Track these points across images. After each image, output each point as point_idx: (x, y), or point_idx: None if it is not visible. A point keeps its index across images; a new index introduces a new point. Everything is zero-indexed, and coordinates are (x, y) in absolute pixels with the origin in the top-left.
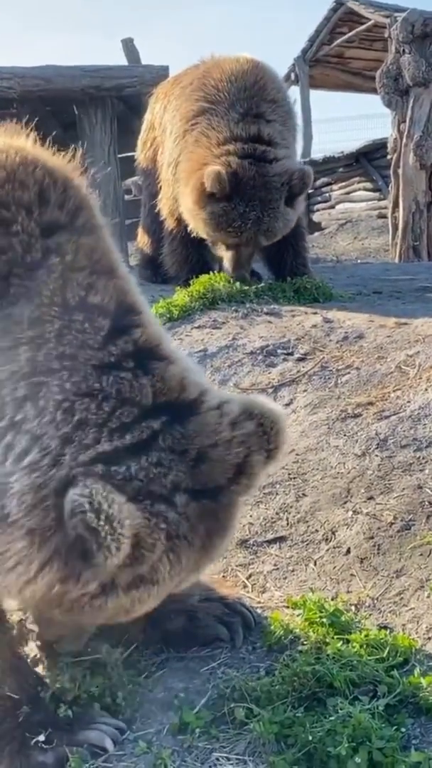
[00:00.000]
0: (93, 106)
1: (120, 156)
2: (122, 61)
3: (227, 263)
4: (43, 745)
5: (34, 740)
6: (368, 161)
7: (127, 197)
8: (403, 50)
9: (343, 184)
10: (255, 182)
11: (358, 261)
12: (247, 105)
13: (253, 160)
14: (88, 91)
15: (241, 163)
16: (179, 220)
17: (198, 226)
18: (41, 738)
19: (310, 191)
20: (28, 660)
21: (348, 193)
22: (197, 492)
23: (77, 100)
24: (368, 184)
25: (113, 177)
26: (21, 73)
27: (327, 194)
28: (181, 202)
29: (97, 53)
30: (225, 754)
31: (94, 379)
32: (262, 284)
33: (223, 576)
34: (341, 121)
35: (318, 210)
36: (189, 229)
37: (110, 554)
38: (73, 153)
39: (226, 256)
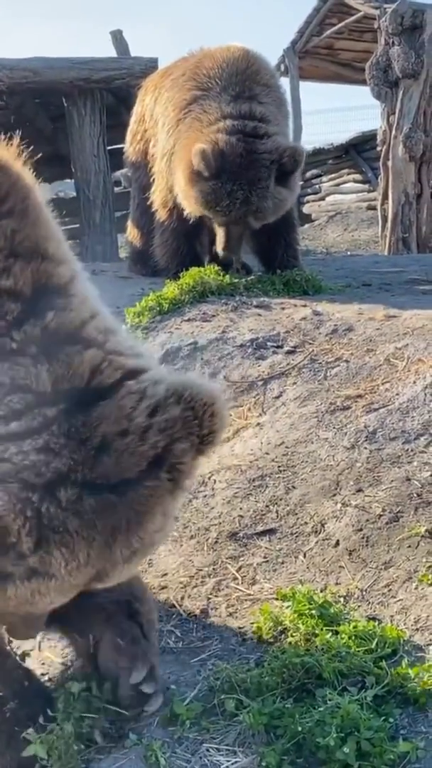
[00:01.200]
0: (82, 98)
1: (109, 148)
2: (111, 52)
3: (218, 242)
4: (32, 738)
5: (23, 734)
6: (358, 153)
7: (116, 189)
8: (393, 42)
9: (333, 175)
10: (242, 160)
11: (348, 253)
12: (239, 88)
13: (243, 135)
14: (77, 83)
15: (229, 140)
16: (171, 212)
17: (190, 205)
18: (30, 732)
19: (300, 183)
20: (16, 654)
21: (338, 184)
22: (94, 486)
23: (66, 92)
24: (358, 176)
25: (102, 169)
26: (9, 65)
27: (317, 186)
28: (176, 184)
29: (86, 44)
30: (215, 745)
31: None
32: (252, 277)
33: (213, 569)
34: (331, 112)
35: (308, 202)
36: (180, 221)
37: None
38: (12, 139)
39: (218, 235)
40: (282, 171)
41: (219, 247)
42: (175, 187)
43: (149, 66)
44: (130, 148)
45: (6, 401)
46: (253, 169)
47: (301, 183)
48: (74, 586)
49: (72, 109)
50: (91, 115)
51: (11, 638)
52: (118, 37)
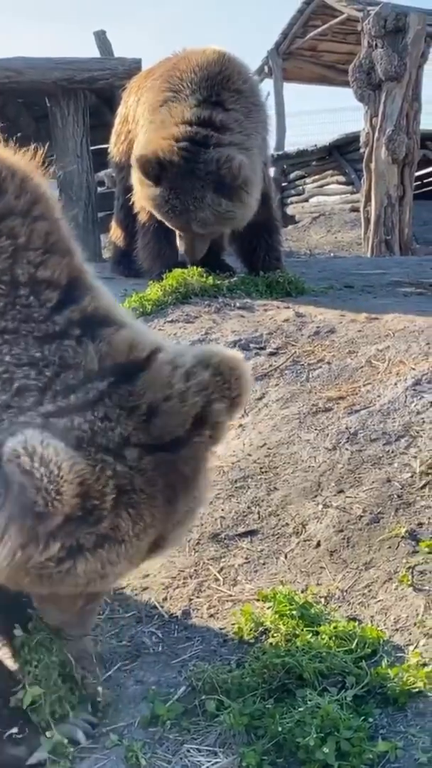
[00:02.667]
0: (65, 99)
1: (92, 148)
2: (95, 53)
3: (178, 243)
4: (16, 738)
5: (7, 734)
6: (341, 154)
7: (99, 189)
8: (376, 44)
9: (317, 177)
10: (180, 169)
11: (332, 254)
12: (207, 93)
13: (190, 143)
14: (60, 83)
15: (171, 148)
16: (152, 214)
17: (145, 207)
18: (14, 731)
19: (284, 184)
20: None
21: (321, 186)
22: (151, 446)
23: (49, 92)
24: (341, 178)
25: (86, 169)
26: None
27: (300, 187)
28: (133, 184)
29: (70, 45)
30: (196, 746)
31: (35, 349)
32: (235, 278)
33: (195, 570)
34: (314, 114)
35: (292, 203)
36: (161, 222)
37: (50, 497)
38: (36, 150)
39: (177, 238)
40: (221, 183)
41: (181, 250)
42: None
43: (133, 67)
44: (114, 148)
45: (62, 378)
46: (189, 179)
47: (285, 184)
48: (140, 552)
49: (55, 109)
50: (74, 115)
51: (66, 636)
52: (101, 38)
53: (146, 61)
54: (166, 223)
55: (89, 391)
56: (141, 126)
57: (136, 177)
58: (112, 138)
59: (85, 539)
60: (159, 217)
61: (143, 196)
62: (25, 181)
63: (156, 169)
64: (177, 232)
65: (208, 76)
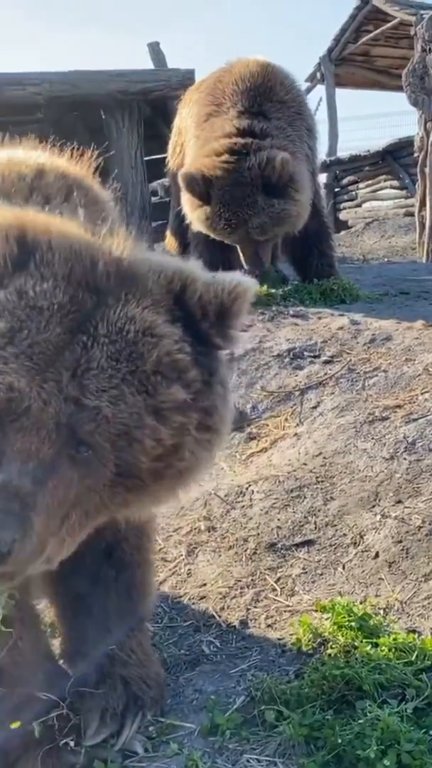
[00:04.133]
0: (120, 111)
1: (147, 159)
2: (148, 64)
3: (242, 261)
4: (73, 746)
5: (64, 741)
6: (394, 159)
7: (153, 199)
8: (429, 48)
9: (370, 182)
10: (225, 181)
11: (386, 260)
12: (248, 104)
13: (231, 155)
14: (115, 95)
15: (213, 162)
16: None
17: (198, 228)
18: (71, 740)
19: (336, 190)
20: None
21: (374, 191)
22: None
23: (104, 104)
24: (395, 182)
25: (140, 180)
26: (49, 78)
27: (353, 192)
28: (183, 205)
29: (123, 56)
30: (255, 756)
31: None
32: (289, 286)
33: (252, 579)
34: (367, 119)
35: (344, 208)
36: None
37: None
38: (92, 159)
39: (239, 251)
40: (268, 183)
41: (245, 265)
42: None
43: (186, 78)
44: (170, 160)
45: None
46: (237, 188)
47: (338, 190)
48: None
49: (110, 121)
50: (129, 126)
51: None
52: (155, 49)
53: (199, 71)
54: (226, 241)
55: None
56: (189, 140)
57: (186, 199)
58: (169, 149)
59: (186, 422)
60: (216, 237)
61: (196, 220)
62: (75, 189)
63: (202, 187)
64: (238, 248)
65: (251, 88)
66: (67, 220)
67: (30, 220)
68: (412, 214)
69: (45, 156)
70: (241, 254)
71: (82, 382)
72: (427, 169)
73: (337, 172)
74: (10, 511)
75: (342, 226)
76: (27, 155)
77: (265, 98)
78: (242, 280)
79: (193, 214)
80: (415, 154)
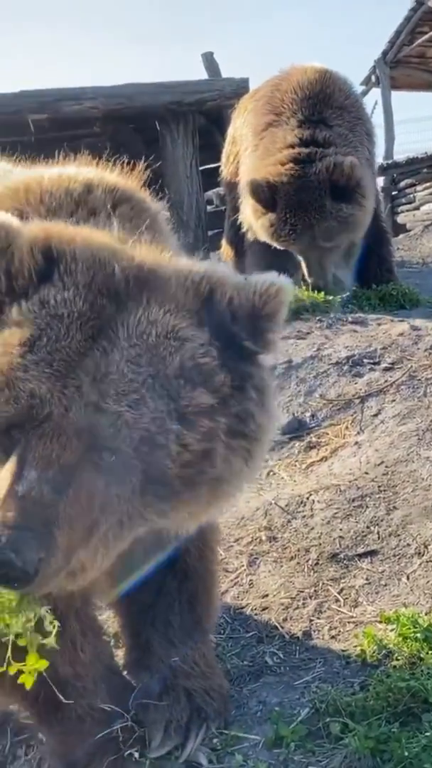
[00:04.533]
0: (174, 122)
1: (201, 168)
2: (202, 74)
3: (304, 271)
4: (137, 757)
5: (129, 752)
6: None
7: (209, 208)
8: None
9: (428, 184)
10: (292, 187)
11: None
12: (309, 112)
13: (294, 164)
14: (169, 107)
15: (279, 171)
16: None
17: (260, 236)
18: (136, 751)
19: (393, 193)
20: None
21: None
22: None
23: (159, 116)
24: None
25: (195, 190)
26: (104, 92)
27: (411, 195)
28: (244, 214)
29: (177, 66)
30: None
31: None
32: (347, 293)
33: (314, 590)
34: (424, 121)
35: (402, 212)
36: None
37: None
38: (143, 171)
39: (302, 262)
40: (336, 187)
41: (306, 276)
42: (245, 215)
43: (240, 87)
44: (224, 169)
45: None
46: (304, 193)
47: (395, 193)
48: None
49: (165, 132)
50: (183, 137)
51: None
52: (209, 59)
53: (253, 80)
54: (290, 249)
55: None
56: (245, 150)
57: (249, 205)
58: (223, 158)
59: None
60: (280, 245)
61: (260, 228)
62: (131, 201)
63: (267, 193)
64: (300, 259)
65: (309, 96)
66: (97, 230)
67: (56, 232)
68: None
69: (94, 171)
70: (304, 265)
71: (101, 387)
72: None
73: (395, 175)
74: (32, 529)
75: (400, 229)
76: (77, 171)
77: (325, 105)
78: (276, 281)
79: (257, 222)
80: None
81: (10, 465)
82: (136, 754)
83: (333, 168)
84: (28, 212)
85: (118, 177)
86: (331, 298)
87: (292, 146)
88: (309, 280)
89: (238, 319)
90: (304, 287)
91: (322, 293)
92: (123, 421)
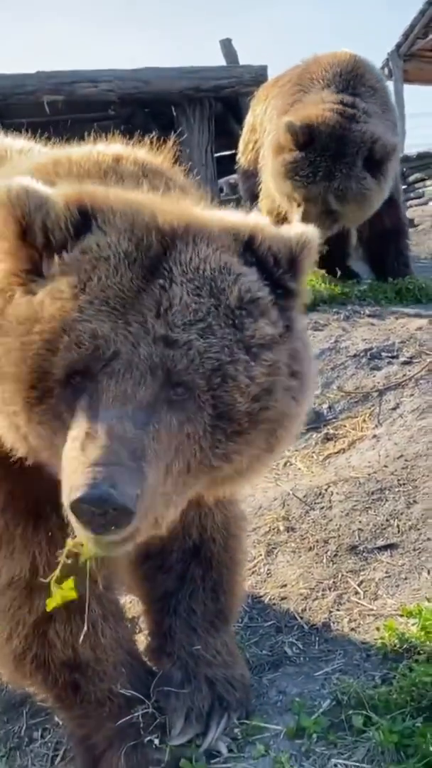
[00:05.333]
0: (191, 107)
1: (216, 155)
2: (220, 60)
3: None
4: (158, 744)
5: (149, 739)
6: None
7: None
8: None
9: None
10: (332, 133)
11: None
12: (343, 85)
13: (340, 116)
14: (186, 92)
15: (323, 114)
16: (277, 221)
17: (272, 181)
18: (156, 737)
19: (403, 187)
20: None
21: None
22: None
23: (175, 101)
24: None
25: (210, 177)
26: (121, 75)
27: (420, 190)
28: (264, 163)
29: (196, 53)
30: (343, 761)
31: None
32: (364, 286)
33: (334, 582)
34: None
35: (411, 206)
36: None
37: None
38: (170, 149)
39: (295, 217)
40: (370, 158)
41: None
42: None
43: (259, 74)
44: (242, 157)
45: None
46: (341, 143)
47: (405, 187)
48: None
49: (181, 118)
50: (200, 123)
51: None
52: (227, 46)
53: (271, 68)
54: (295, 193)
55: None
56: (267, 134)
57: (270, 148)
58: (240, 146)
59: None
60: (289, 183)
61: (278, 164)
62: (160, 174)
63: (306, 135)
64: (299, 209)
65: (342, 72)
66: (129, 190)
67: (89, 191)
68: None
69: (123, 147)
70: (299, 213)
71: (167, 319)
72: None
73: (405, 169)
74: (124, 464)
75: (409, 224)
76: (106, 146)
77: (359, 83)
78: (307, 230)
79: (276, 159)
80: None
81: (82, 410)
82: (156, 741)
83: (376, 138)
84: (57, 183)
85: (147, 153)
86: (347, 290)
87: (332, 102)
88: None
89: (280, 263)
90: (317, 274)
91: (339, 285)
92: (195, 350)
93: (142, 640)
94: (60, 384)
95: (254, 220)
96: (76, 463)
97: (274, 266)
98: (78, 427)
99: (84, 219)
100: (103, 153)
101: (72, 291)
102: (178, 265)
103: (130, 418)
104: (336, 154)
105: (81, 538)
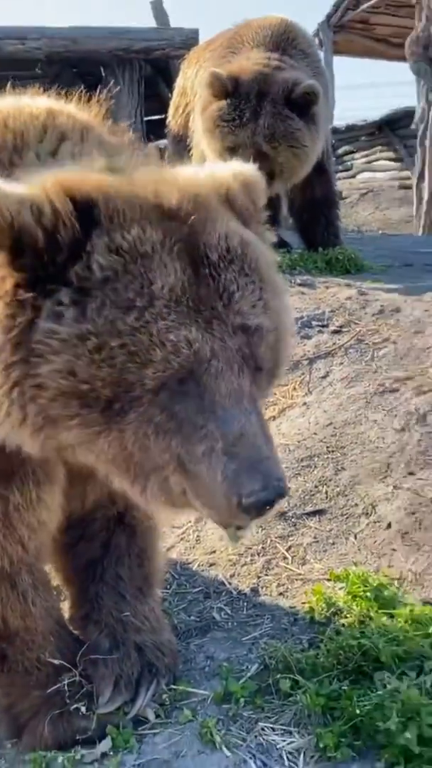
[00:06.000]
0: (120, 68)
1: (145, 119)
2: (150, 23)
3: None
4: (84, 712)
5: (75, 706)
6: (391, 130)
7: None
8: None
9: (366, 153)
10: (255, 78)
11: (380, 232)
12: (273, 47)
13: (259, 66)
14: (116, 53)
15: (244, 66)
16: None
17: (203, 139)
18: (83, 705)
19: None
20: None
21: (370, 162)
22: None
23: (104, 61)
24: (390, 154)
25: (140, 139)
26: (49, 33)
27: (349, 163)
28: (194, 118)
29: (124, 12)
30: (270, 725)
31: None
32: (295, 256)
33: (263, 547)
34: (365, 88)
35: (340, 179)
36: None
37: None
38: (98, 104)
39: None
40: (294, 101)
41: None
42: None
43: (190, 37)
44: (172, 121)
45: None
46: (264, 87)
47: (333, 160)
48: None
49: (110, 78)
50: (129, 85)
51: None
52: (158, 8)
53: (203, 32)
54: (225, 142)
55: None
56: (199, 97)
57: (199, 104)
58: (170, 110)
59: None
60: (216, 137)
61: (207, 118)
62: (88, 130)
63: (230, 84)
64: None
65: (273, 35)
66: (92, 167)
67: (68, 178)
68: (407, 187)
69: (53, 100)
70: None
71: (235, 308)
72: (427, 142)
73: (333, 141)
74: (272, 456)
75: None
76: (35, 100)
77: (289, 45)
78: (246, 168)
79: (204, 113)
80: (413, 126)
81: (196, 413)
82: (83, 709)
83: (298, 82)
84: None
85: (78, 108)
86: (278, 258)
87: (259, 59)
88: None
89: (252, 213)
90: None
91: None
92: (265, 330)
93: (65, 609)
94: (152, 392)
95: (218, 172)
96: (233, 464)
97: (250, 219)
98: (202, 430)
99: (83, 212)
100: (35, 106)
101: (141, 298)
102: (212, 250)
103: (252, 411)
104: (259, 96)
105: (227, 531)
